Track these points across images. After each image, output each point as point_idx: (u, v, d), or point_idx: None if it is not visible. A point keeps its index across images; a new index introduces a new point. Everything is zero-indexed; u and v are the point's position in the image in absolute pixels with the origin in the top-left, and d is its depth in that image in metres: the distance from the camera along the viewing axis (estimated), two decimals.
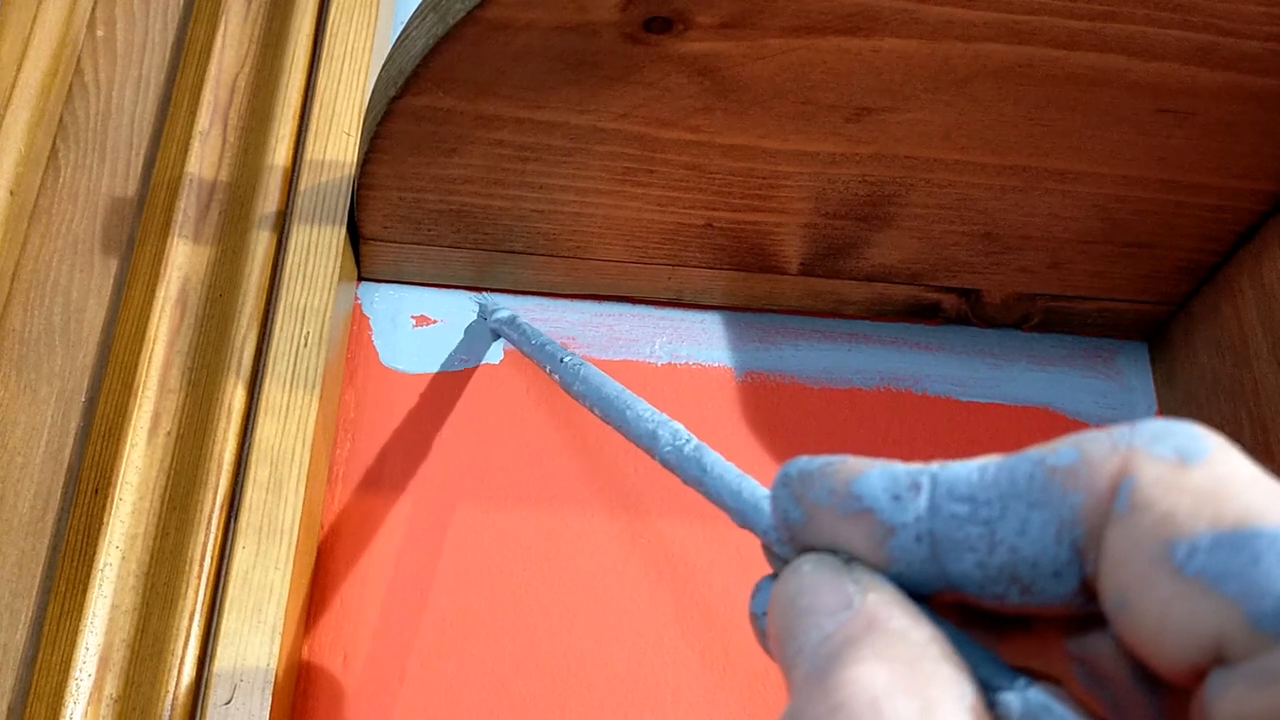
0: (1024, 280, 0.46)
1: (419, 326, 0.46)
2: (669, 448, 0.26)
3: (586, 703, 0.40)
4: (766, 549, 0.23)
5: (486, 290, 0.46)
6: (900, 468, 0.19)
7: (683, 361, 0.46)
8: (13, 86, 0.45)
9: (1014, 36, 0.36)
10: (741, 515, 0.23)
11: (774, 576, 0.22)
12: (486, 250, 0.44)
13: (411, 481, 0.43)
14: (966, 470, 0.18)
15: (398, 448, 0.44)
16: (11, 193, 0.44)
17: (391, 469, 0.43)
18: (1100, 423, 0.47)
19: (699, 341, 0.47)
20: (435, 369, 0.45)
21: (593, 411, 0.32)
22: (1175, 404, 0.47)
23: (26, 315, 0.43)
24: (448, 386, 0.45)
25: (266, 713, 0.34)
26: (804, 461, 0.20)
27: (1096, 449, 0.17)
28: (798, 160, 0.41)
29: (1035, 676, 0.19)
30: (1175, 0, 0.35)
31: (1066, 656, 0.19)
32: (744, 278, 0.46)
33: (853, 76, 0.37)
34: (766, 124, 0.39)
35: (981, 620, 0.19)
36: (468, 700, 0.40)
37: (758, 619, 0.22)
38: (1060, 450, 0.18)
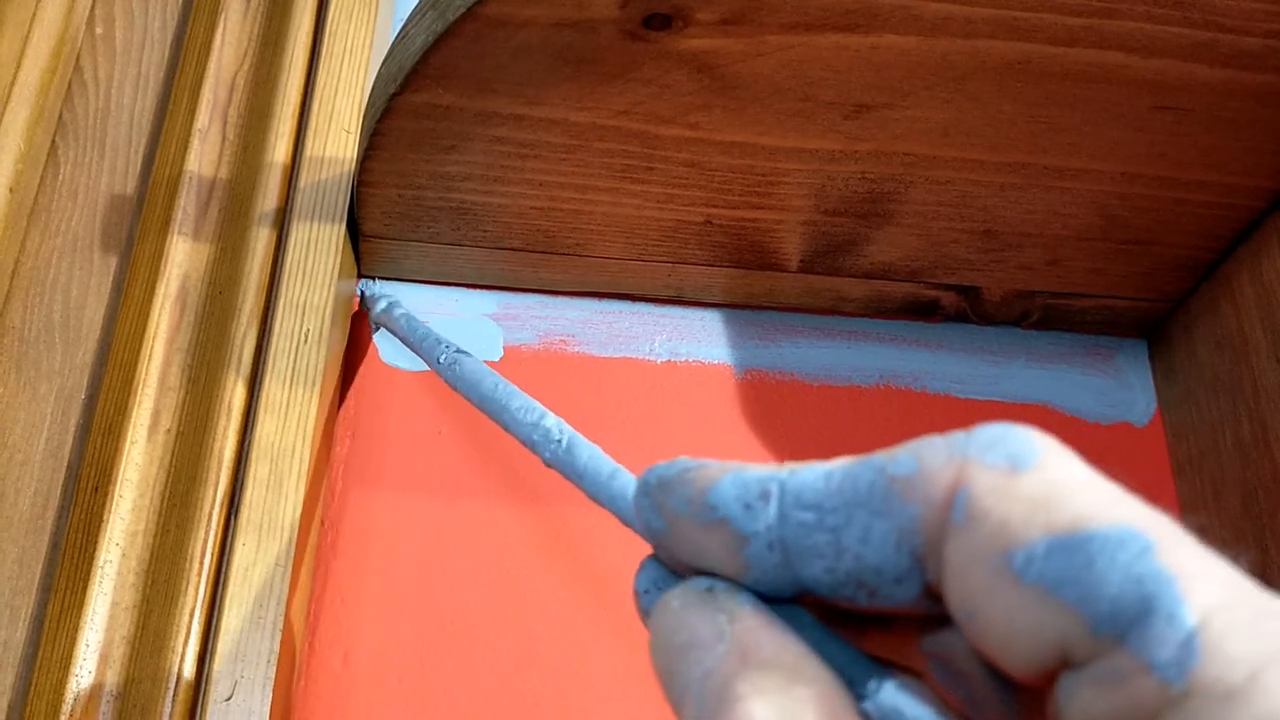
0: (1023, 278, 0.46)
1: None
2: (546, 452, 0.25)
3: (587, 700, 0.40)
4: None
5: (482, 288, 0.46)
6: (752, 474, 0.19)
7: (682, 359, 0.46)
8: (12, 84, 0.45)
9: (1013, 33, 0.36)
10: (618, 514, 0.23)
11: (656, 556, 0.22)
12: (486, 247, 0.44)
13: (412, 478, 0.43)
14: (814, 476, 0.18)
15: (398, 445, 0.44)
16: (11, 190, 0.44)
17: (392, 466, 0.43)
18: (1099, 421, 0.47)
19: (699, 339, 0.47)
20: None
21: (479, 410, 0.30)
22: (1174, 401, 0.47)
23: (26, 313, 0.43)
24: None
25: (267, 709, 0.34)
26: (663, 468, 0.20)
27: (933, 459, 0.17)
28: (797, 157, 0.41)
29: (897, 670, 0.19)
30: None
31: (922, 653, 0.19)
32: (743, 275, 0.46)
33: (852, 73, 0.37)
34: (766, 121, 0.39)
35: (845, 616, 0.20)
36: (468, 697, 0.40)
37: (640, 596, 0.22)
38: (900, 459, 0.18)
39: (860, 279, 0.46)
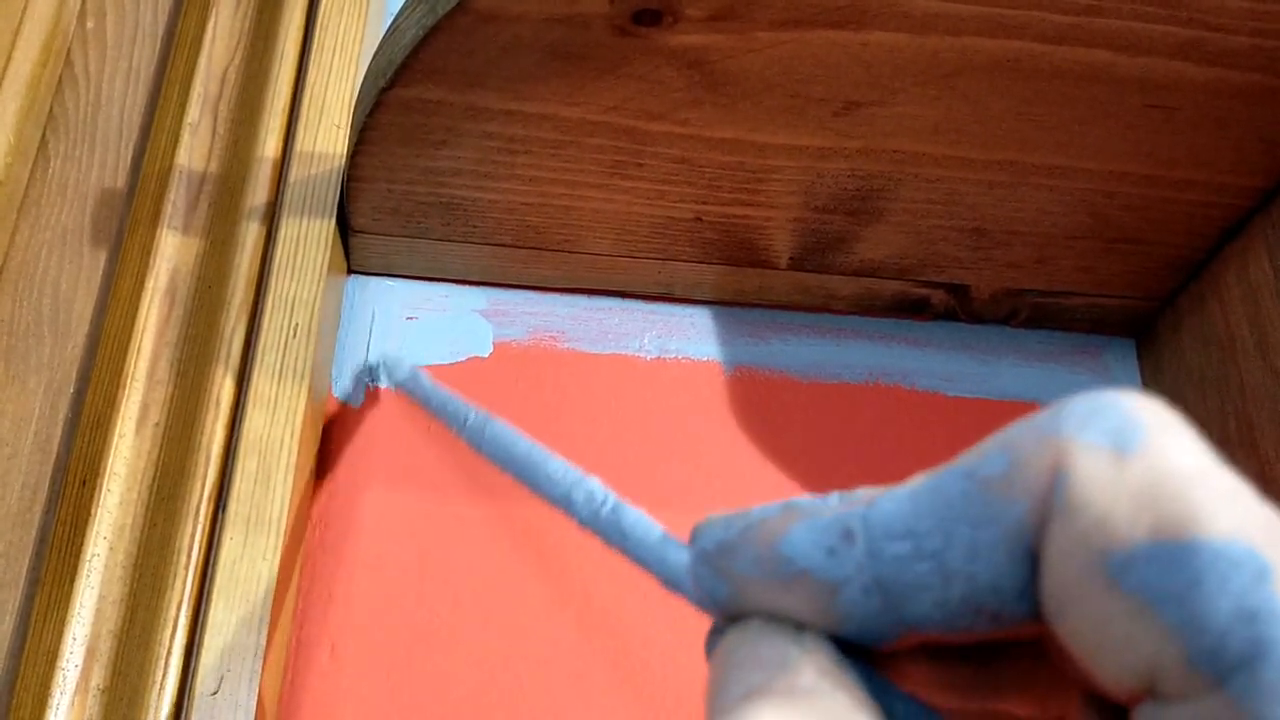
0: (1012, 276, 0.46)
1: (409, 320, 0.46)
2: (586, 512, 0.24)
3: (573, 697, 0.40)
4: None
5: (472, 284, 0.46)
6: (825, 517, 0.17)
7: (672, 355, 0.46)
8: (2, 78, 0.45)
9: (1001, 31, 0.36)
10: (670, 581, 0.21)
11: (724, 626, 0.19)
12: (475, 243, 0.44)
13: (400, 473, 0.43)
14: (897, 502, 0.16)
15: (387, 440, 0.44)
16: (0, 184, 0.44)
17: (380, 461, 0.43)
18: None
19: (688, 336, 0.47)
20: (424, 362, 0.45)
21: (505, 472, 0.29)
22: (1162, 399, 0.47)
23: (15, 306, 0.43)
24: (437, 379, 0.45)
25: (253, 703, 0.34)
26: (719, 530, 0.18)
27: (1025, 446, 0.15)
28: (787, 154, 0.41)
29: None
30: None
31: (1057, 701, 0.17)
32: (733, 272, 0.46)
33: (841, 70, 0.37)
34: (756, 117, 0.39)
35: (975, 674, 0.18)
36: (455, 691, 0.40)
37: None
38: (989, 457, 0.16)
39: (850, 277, 0.46)
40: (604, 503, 0.23)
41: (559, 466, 0.26)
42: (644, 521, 0.22)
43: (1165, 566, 0.14)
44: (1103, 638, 0.14)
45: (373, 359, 0.44)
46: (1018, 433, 0.16)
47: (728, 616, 0.18)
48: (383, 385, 0.43)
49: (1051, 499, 0.15)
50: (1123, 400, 0.15)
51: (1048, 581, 0.15)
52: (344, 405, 0.44)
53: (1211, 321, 0.45)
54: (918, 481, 0.16)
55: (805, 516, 0.17)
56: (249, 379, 0.39)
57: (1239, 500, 0.14)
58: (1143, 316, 0.48)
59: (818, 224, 0.44)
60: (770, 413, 0.46)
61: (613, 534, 0.23)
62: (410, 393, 0.39)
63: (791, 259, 0.45)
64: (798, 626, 0.17)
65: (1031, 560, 0.15)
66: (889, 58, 0.37)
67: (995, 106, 0.39)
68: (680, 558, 0.20)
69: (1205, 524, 0.14)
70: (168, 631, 0.36)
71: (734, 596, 0.18)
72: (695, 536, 0.19)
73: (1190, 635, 0.14)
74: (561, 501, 0.25)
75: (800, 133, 0.40)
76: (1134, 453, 0.15)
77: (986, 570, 0.16)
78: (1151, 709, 0.14)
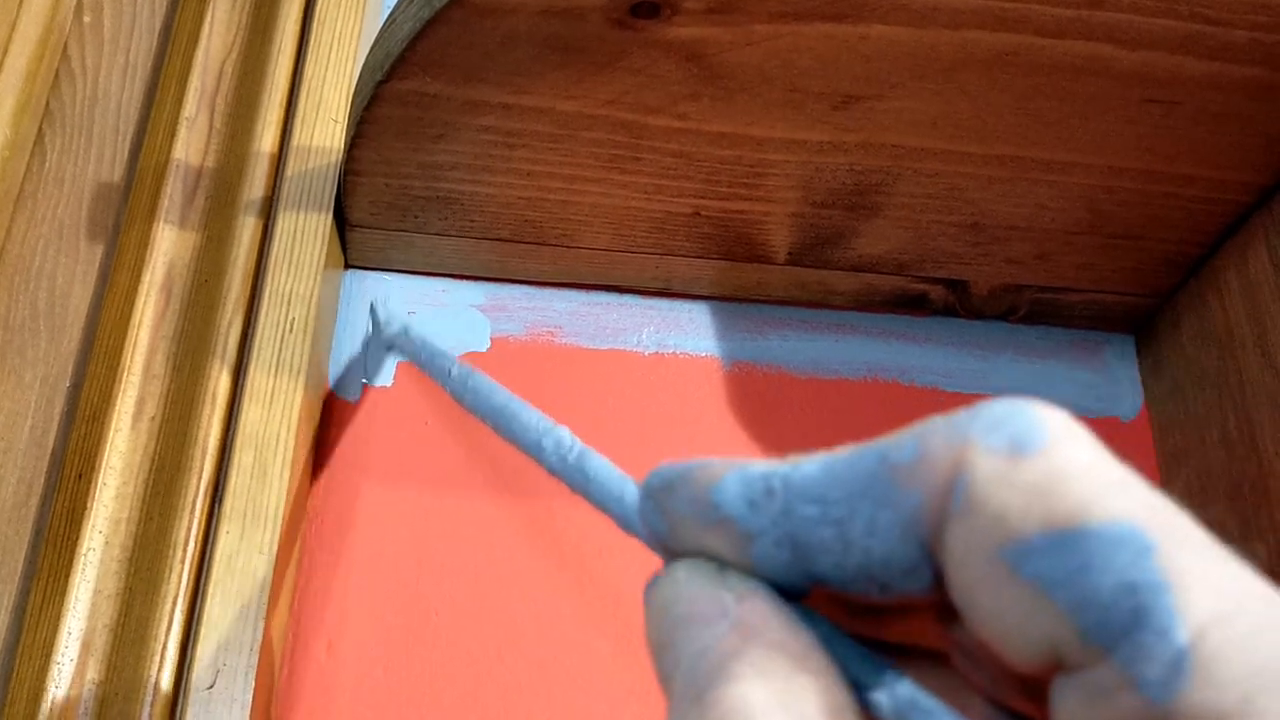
0: (1011, 271, 0.46)
1: (407, 314, 0.46)
2: (554, 458, 0.26)
3: (570, 691, 0.40)
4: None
5: (470, 279, 0.46)
6: (755, 470, 0.18)
7: (670, 351, 0.46)
8: None
9: (1000, 24, 0.36)
10: (624, 521, 0.22)
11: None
12: (473, 238, 0.44)
13: (397, 469, 0.43)
14: (815, 468, 0.18)
15: (384, 435, 0.43)
16: None
17: (378, 456, 0.43)
18: (1086, 415, 0.47)
19: (686, 331, 0.47)
20: None
21: (484, 423, 0.31)
22: (1161, 396, 0.47)
23: (11, 301, 0.43)
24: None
25: (249, 698, 0.34)
26: (666, 470, 0.20)
27: (934, 442, 0.17)
28: (785, 148, 0.41)
29: (922, 657, 0.18)
30: None
31: (943, 637, 0.18)
32: (732, 267, 0.46)
33: (840, 63, 0.37)
34: (754, 111, 0.39)
35: (862, 606, 0.19)
36: (452, 687, 0.40)
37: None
38: (902, 444, 0.17)
39: (848, 272, 0.46)
40: (570, 449, 0.25)
41: (533, 416, 0.27)
42: (606, 466, 0.24)
43: (1056, 554, 0.15)
44: (1007, 624, 0.16)
45: (374, 301, 0.44)
46: (932, 428, 0.17)
47: (671, 555, 0.20)
48: (380, 324, 0.42)
49: (950, 496, 0.16)
50: (1030, 407, 0.16)
51: (953, 575, 0.16)
52: (341, 400, 0.44)
53: (1211, 318, 0.45)
54: (840, 452, 0.18)
55: (739, 469, 0.18)
56: (245, 373, 0.39)
57: (1126, 487, 0.15)
58: (1142, 313, 0.48)
59: (816, 219, 0.44)
60: (768, 408, 0.46)
61: (577, 477, 0.24)
62: (401, 346, 0.40)
63: (790, 254, 0.45)
64: (721, 568, 0.18)
65: (923, 546, 0.17)
66: (888, 51, 0.37)
67: (994, 101, 0.39)
68: (634, 499, 0.22)
69: (1092, 510, 0.15)
70: (163, 626, 0.36)
71: (670, 533, 0.19)
72: (648, 476, 0.20)
73: (1080, 613, 0.15)
74: (532, 448, 0.27)
75: (798, 127, 0.40)
76: (1031, 454, 0.16)
77: (881, 547, 0.17)
78: (1062, 680, 0.15)
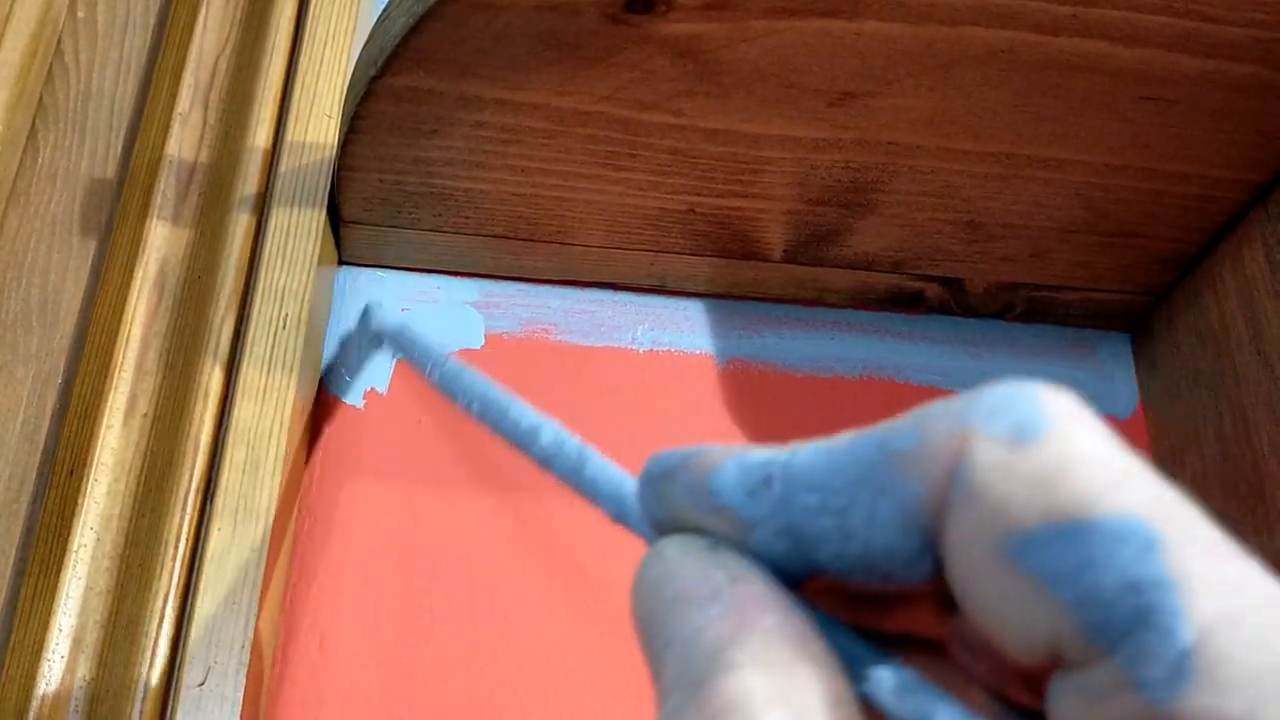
0: (1007, 269, 0.46)
1: (401, 311, 0.45)
2: (547, 450, 0.25)
3: (563, 688, 0.40)
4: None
5: (464, 275, 0.46)
6: (755, 458, 0.18)
7: (665, 348, 0.46)
8: None
9: (997, 21, 0.36)
10: (619, 514, 0.22)
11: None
12: (467, 234, 0.44)
13: (391, 466, 0.43)
14: (816, 456, 0.17)
15: (377, 432, 0.43)
16: None
17: (371, 453, 0.43)
18: None
19: (681, 328, 0.47)
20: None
21: (475, 419, 0.30)
22: (1157, 394, 0.47)
23: (3, 296, 0.43)
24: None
25: (240, 695, 0.34)
26: (665, 457, 0.19)
27: (934, 429, 0.16)
28: (780, 145, 0.40)
29: (918, 647, 0.18)
30: None
31: (942, 627, 0.18)
32: (727, 264, 0.46)
33: (835, 60, 0.37)
34: (749, 108, 0.39)
35: (861, 595, 0.18)
36: (444, 684, 0.40)
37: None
38: (901, 431, 0.16)
39: (844, 269, 0.46)
40: (564, 443, 0.25)
41: (525, 411, 0.27)
42: (600, 460, 0.23)
43: (1058, 547, 0.14)
44: (1006, 618, 0.15)
45: (370, 302, 0.43)
46: (931, 414, 0.16)
47: None
48: (372, 326, 0.42)
49: (950, 485, 0.16)
50: (1033, 391, 0.16)
51: (952, 566, 0.16)
52: (333, 397, 0.44)
53: (1207, 316, 0.44)
54: (840, 439, 0.17)
55: (738, 456, 0.18)
56: (238, 369, 0.39)
57: (1134, 479, 0.15)
58: (1138, 311, 0.48)
59: (811, 216, 0.43)
60: (763, 406, 0.46)
61: (570, 471, 0.24)
62: (392, 342, 0.40)
63: (785, 251, 0.45)
64: (713, 545, 0.18)
65: (924, 536, 0.16)
66: (883, 48, 0.37)
67: (990, 98, 0.39)
68: (630, 492, 0.21)
69: (1097, 503, 0.14)
70: (154, 623, 0.36)
71: (668, 521, 0.19)
72: (647, 463, 0.20)
73: (1082, 610, 0.14)
74: (525, 443, 0.26)
75: (794, 123, 0.40)
76: (1035, 442, 0.15)
77: (881, 537, 0.16)
78: (1060, 678, 0.15)
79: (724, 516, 0.18)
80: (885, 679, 0.17)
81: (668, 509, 0.19)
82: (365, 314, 0.42)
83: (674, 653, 0.17)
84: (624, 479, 0.22)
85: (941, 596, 0.17)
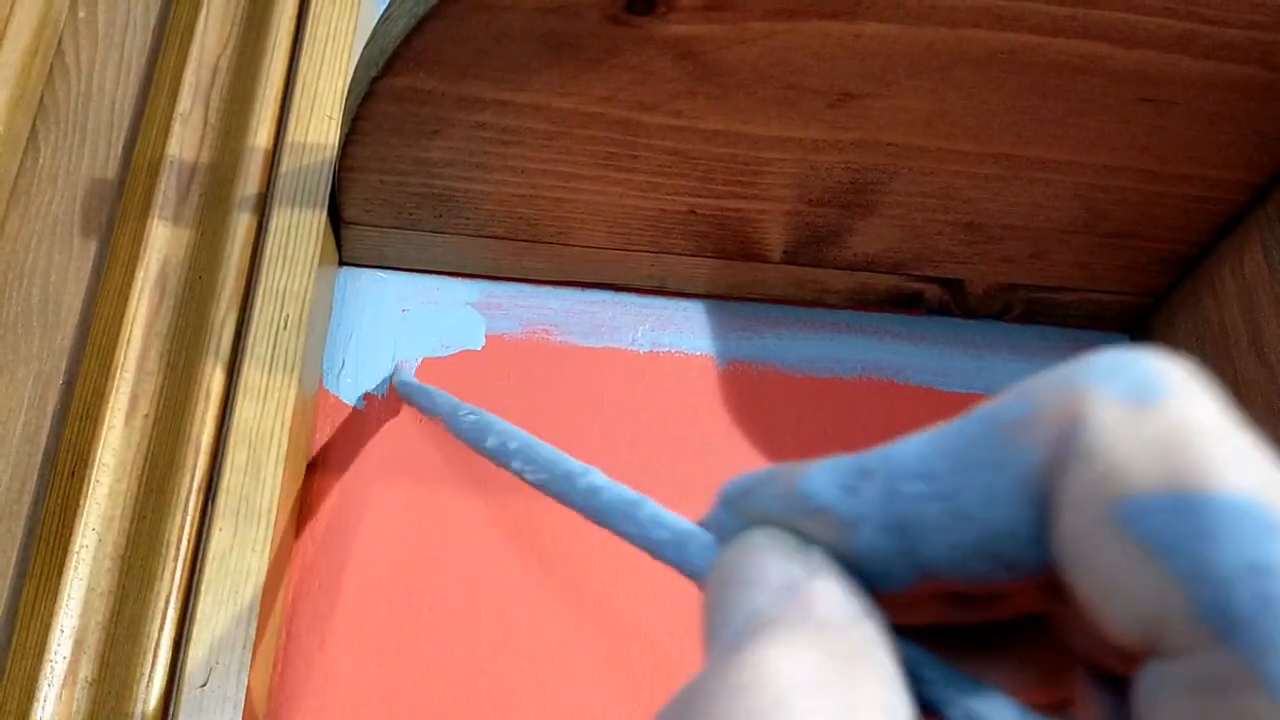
0: (1006, 270, 0.46)
1: (402, 312, 0.45)
2: (588, 495, 0.23)
3: (563, 688, 0.40)
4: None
5: (465, 277, 0.46)
6: (845, 458, 0.17)
7: (665, 349, 0.46)
8: None
9: (996, 22, 0.36)
10: (679, 556, 0.20)
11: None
12: (468, 235, 0.44)
13: (392, 466, 0.43)
14: (917, 444, 0.16)
15: (378, 432, 0.43)
16: None
17: (372, 453, 0.43)
18: None
19: (681, 329, 0.47)
20: (416, 355, 0.45)
21: (509, 471, 0.28)
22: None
23: (4, 297, 0.43)
24: (430, 371, 0.45)
25: (242, 695, 0.34)
26: (743, 477, 0.18)
27: (1046, 394, 0.15)
28: (780, 146, 0.40)
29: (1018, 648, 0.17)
30: None
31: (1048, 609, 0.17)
32: (727, 265, 0.46)
33: (835, 61, 0.37)
34: (749, 109, 0.39)
35: (966, 597, 0.17)
36: (445, 685, 0.40)
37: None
38: (1011, 403, 0.16)
39: (844, 270, 0.46)
40: (602, 485, 0.23)
41: (562, 458, 0.25)
42: (652, 507, 0.21)
43: (1174, 517, 0.14)
44: (1110, 587, 0.14)
45: (393, 371, 0.44)
46: (1040, 383, 0.16)
47: None
48: (383, 392, 0.43)
49: (1068, 446, 0.15)
50: (1147, 357, 0.15)
51: (1060, 528, 0.15)
52: (335, 398, 0.44)
53: (1206, 317, 0.45)
54: (939, 427, 0.16)
55: (826, 460, 0.17)
56: (239, 370, 0.39)
57: (1255, 458, 0.14)
58: (1137, 312, 0.48)
59: (811, 217, 0.43)
60: (763, 407, 0.46)
61: (607, 510, 0.22)
62: (412, 399, 0.39)
63: (785, 253, 0.45)
64: (804, 543, 0.17)
65: (1042, 506, 0.15)
66: (883, 49, 0.37)
67: (990, 99, 0.39)
68: (692, 535, 0.20)
69: (1218, 477, 0.14)
70: (156, 624, 0.36)
71: None
72: (723, 487, 0.19)
73: (1196, 586, 0.13)
74: (564, 487, 0.24)
75: (794, 124, 0.40)
76: (1154, 406, 0.14)
77: (1000, 515, 0.15)
78: (1156, 667, 0.14)
79: (821, 519, 0.17)
80: (961, 708, 0.16)
81: (752, 521, 0.18)
82: (394, 374, 0.42)
83: (728, 629, 0.16)
84: (678, 520, 0.20)
85: (1045, 595, 0.17)
